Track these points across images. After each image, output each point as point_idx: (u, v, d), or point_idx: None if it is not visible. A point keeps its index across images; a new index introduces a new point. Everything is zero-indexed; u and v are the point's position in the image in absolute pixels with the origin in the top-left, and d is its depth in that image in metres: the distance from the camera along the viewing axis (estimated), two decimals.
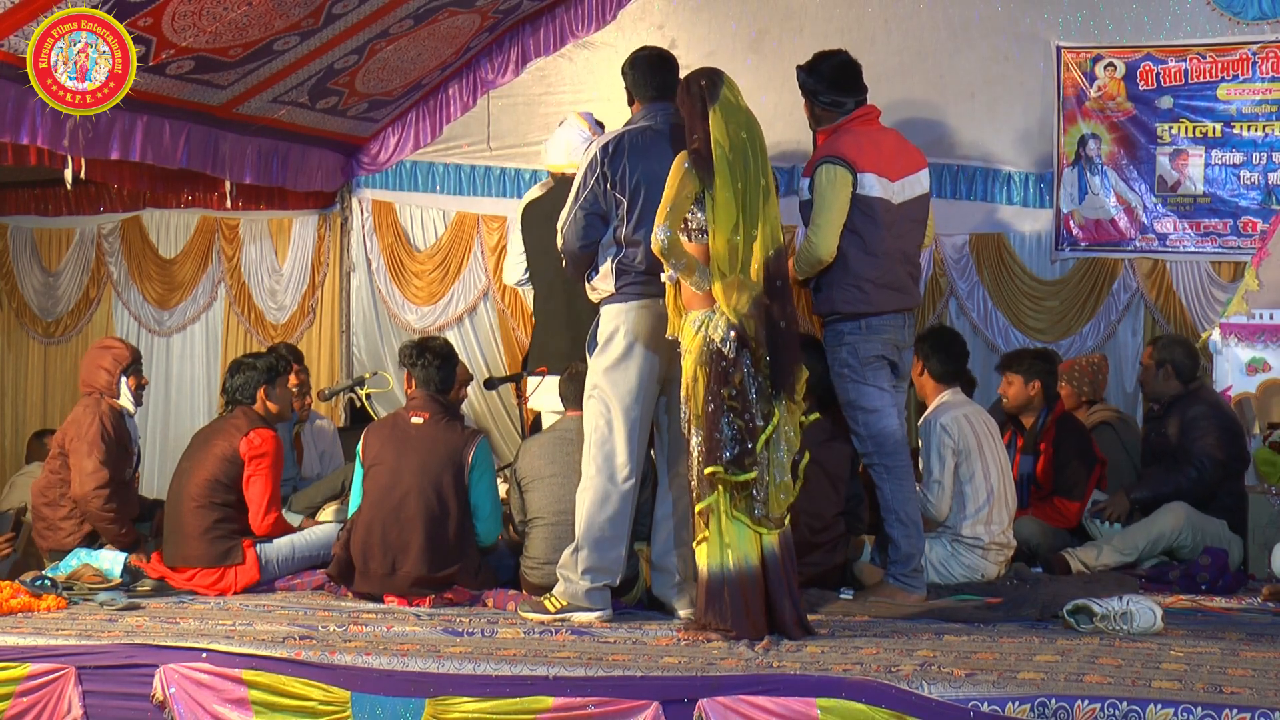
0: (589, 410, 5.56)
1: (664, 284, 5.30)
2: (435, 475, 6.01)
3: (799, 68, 6.06)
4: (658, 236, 5.04)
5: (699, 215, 5.14)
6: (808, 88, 6.01)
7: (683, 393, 5.15)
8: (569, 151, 6.63)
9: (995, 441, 6.37)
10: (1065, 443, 6.95)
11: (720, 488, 5.02)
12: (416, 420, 6.11)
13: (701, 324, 5.09)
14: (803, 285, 6.12)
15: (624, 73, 5.77)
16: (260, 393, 6.52)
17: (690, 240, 5.16)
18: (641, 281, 5.45)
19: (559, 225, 5.66)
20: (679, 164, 5.15)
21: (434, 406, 6.16)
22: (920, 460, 6.39)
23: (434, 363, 6.21)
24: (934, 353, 6.40)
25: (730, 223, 5.07)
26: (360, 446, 6.20)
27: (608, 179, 5.47)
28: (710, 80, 5.21)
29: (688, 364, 5.11)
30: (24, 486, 7.68)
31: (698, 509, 5.07)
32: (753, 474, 5.01)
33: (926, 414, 6.39)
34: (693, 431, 5.10)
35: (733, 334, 5.03)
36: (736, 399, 5.03)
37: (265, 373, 6.55)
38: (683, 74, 5.82)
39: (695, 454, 5.08)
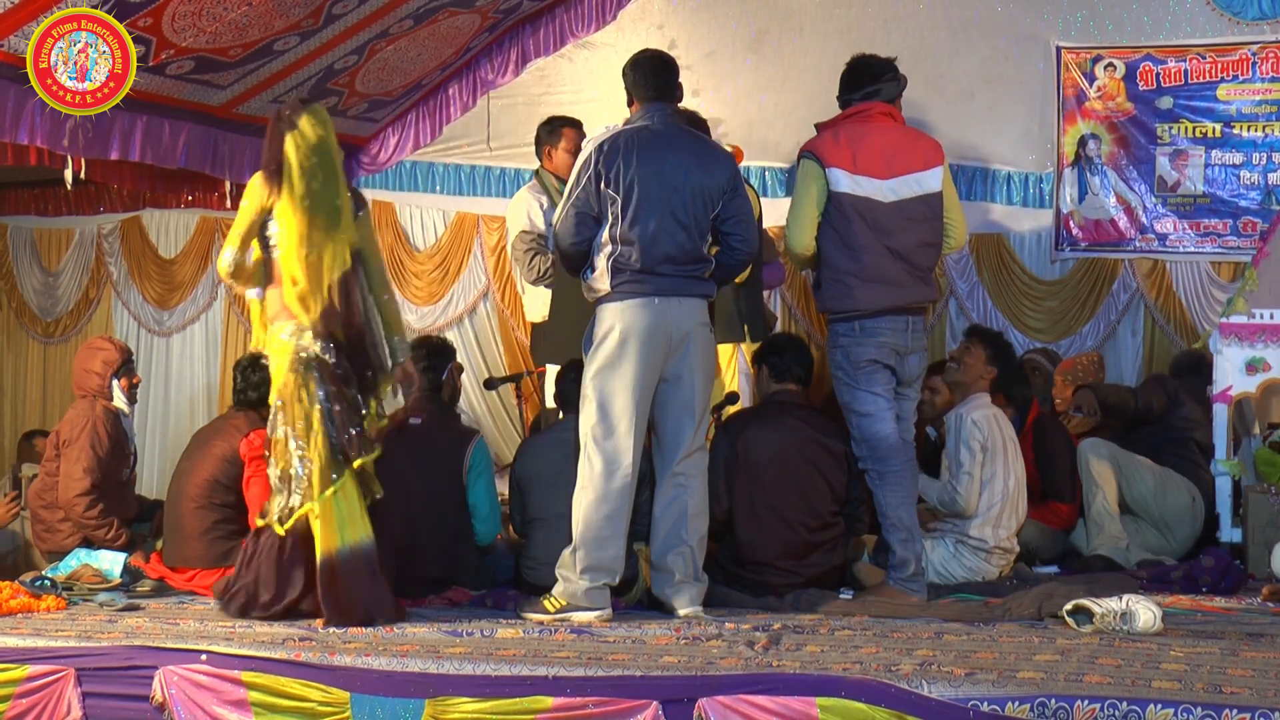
0: (585, 409, 5.55)
1: (656, 283, 5.38)
2: (433, 475, 6.00)
3: None
4: (224, 259, 5.41)
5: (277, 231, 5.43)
6: None
7: (275, 398, 5.40)
8: None
9: (1015, 447, 6.36)
10: (1045, 445, 6.95)
11: (346, 474, 5.31)
12: (414, 421, 6.11)
13: (293, 334, 5.36)
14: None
15: (624, 74, 5.77)
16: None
17: (269, 255, 5.46)
18: (637, 280, 5.44)
19: (554, 222, 5.66)
20: (254, 183, 5.44)
21: (431, 407, 6.16)
22: (945, 454, 6.37)
23: (417, 364, 6.19)
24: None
25: (297, 236, 5.34)
26: None
27: (601, 177, 5.46)
28: (294, 110, 5.49)
29: (279, 372, 5.39)
30: None
31: (326, 495, 5.28)
32: (378, 451, 5.41)
33: (956, 408, 6.37)
34: (295, 438, 5.32)
35: (329, 341, 5.34)
36: (351, 396, 5.37)
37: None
38: (683, 75, 5.84)
39: (309, 452, 5.30)
